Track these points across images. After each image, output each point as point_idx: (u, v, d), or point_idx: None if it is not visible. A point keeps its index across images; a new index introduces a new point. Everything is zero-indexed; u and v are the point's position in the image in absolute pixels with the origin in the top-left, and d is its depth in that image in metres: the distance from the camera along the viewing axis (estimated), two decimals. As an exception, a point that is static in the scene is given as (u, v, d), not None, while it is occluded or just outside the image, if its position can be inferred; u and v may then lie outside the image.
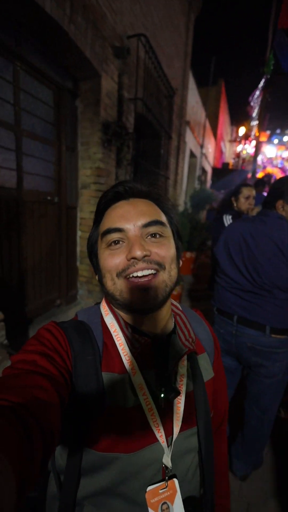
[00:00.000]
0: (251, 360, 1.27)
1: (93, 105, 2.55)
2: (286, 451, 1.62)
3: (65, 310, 2.64)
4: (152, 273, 0.47)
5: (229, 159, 22.16)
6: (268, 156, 18.71)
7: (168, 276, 0.48)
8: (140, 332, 0.51)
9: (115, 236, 0.48)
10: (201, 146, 8.67)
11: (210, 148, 11.62)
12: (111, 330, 0.51)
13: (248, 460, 1.43)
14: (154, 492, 0.46)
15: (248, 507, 1.34)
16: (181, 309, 0.61)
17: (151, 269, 0.47)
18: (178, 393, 0.48)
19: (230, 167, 16.35)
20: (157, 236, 0.49)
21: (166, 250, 0.49)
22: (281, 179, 1.31)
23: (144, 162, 3.75)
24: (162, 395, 0.47)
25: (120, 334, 0.50)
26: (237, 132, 21.26)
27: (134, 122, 3.23)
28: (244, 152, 20.89)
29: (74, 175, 2.68)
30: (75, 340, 0.48)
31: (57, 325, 0.50)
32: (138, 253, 0.45)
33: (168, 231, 0.52)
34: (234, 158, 22.02)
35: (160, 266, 0.48)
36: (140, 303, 0.46)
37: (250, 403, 1.36)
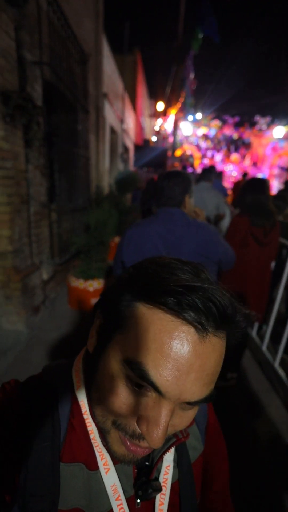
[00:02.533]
0: None
1: (-17, 66, 1.99)
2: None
3: (-22, 325, 2.21)
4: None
5: (150, 135, 22.27)
6: (185, 134, 19.58)
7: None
8: None
9: (144, 385, 0.31)
10: (122, 121, 8.32)
11: (130, 123, 11.30)
12: (82, 410, 0.40)
13: None
14: None
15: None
16: None
17: None
18: (159, 491, 0.41)
19: (151, 144, 16.48)
20: (192, 406, 0.34)
21: (187, 422, 0.35)
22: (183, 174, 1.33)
23: (60, 141, 3.30)
24: (139, 500, 0.41)
25: (90, 419, 0.40)
26: (155, 106, 21.32)
27: (42, 92, 2.73)
28: (163, 128, 21.28)
29: None
30: (33, 418, 0.38)
31: (16, 389, 0.41)
32: (156, 444, 0.31)
33: None
34: (154, 134, 22.26)
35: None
36: (125, 460, 0.37)
37: None
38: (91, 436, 0.40)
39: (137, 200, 5.45)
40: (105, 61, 5.60)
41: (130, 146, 11.57)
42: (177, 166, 11.60)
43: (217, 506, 0.56)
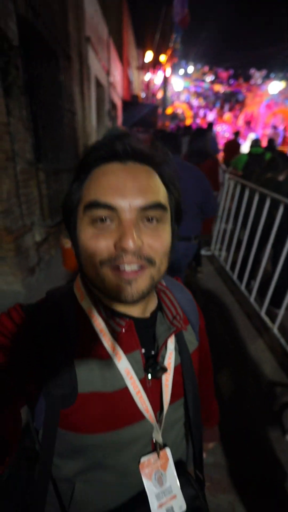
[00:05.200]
0: (180, 261, 2.00)
1: None
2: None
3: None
4: (139, 268, 0.41)
5: (138, 90, 20.58)
6: (176, 89, 18.26)
7: (157, 271, 0.43)
8: (121, 315, 0.48)
9: (103, 213, 0.40)
10: (108, 73, 7.62)
11: (117, 76, 10.35)
12: (89, 315, 0.47)
13: None
14: (147, 463, 0.48)
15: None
16: (164, 284, 0.58)
17: (139, 264, 0.41)
18: (165, 371, 0.48)
19: (140, 100, 15.31)
20: (154, 221, 0.42)
21: (160, 242, 0.42)
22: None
23: (42, 93, 3.03)
24: (150, 377, 0.47)
25: (100, 320, 0.46)
26: (143, 57, 19.39)
27: (18, 31, 2.42)
28: (152, 82, 19.67)
29: None
30: (42, 326, 0.44)
31: (21, 309, 0.46)
32: (131, 245, 0.38)
33: (167, 215, 0.45)
34: (143, 90, 20.59)
35: (149, 262, 0.42)
36: (123, 296, 0.41)
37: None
38: (102, 334, 0.45)
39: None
40: (87, -3, 4.94)
41: (118, 103, 10.74)
42: (168, 125, 10.98)
43: (205, 393, 0.72)
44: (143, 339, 0.49)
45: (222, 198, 3.34)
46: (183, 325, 0.51)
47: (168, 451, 0.51)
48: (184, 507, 0.49)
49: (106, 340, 0.45)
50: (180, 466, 0.53)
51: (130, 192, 0.39)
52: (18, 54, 2.15)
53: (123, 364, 0.45)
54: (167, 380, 0.50)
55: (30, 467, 0.55)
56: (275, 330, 2.20)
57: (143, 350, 0.49)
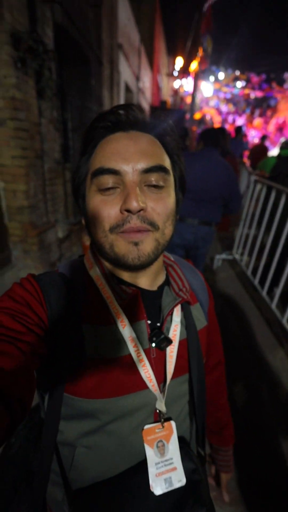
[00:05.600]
0: (198, 245, 2.15)
1: (-8, 3, 1.88)
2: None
3: None
4: (144, 229, 0.42)
5: (167, 96, 20.79)
6: (205, 95, 18.19)
7: (161, 235, 0.44)
8: (128, 284, 0.49)
9: (109, 180, 0.42)
10: (137, 79, 7.79)
11: (147, 81, 10.56)
12: (97, 283, 0.48)
13: None
14: (151, 431, 0.48)
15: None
16: (173, 259, 0.59)
17: (144, 227, 0.42)
18: (170, 342, 0.48)
19: (168, 106, 15.45)
20: (157, 186, 0.43)
21: (164, 205, 0.43)
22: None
23: (73, 96, 3.17)
24: (154, 345, 0.48)
25: (107, 287, 0.47)
26: (173, 64, 19.57)
27: (53, 37, 2.57)
28: (182, 89, 19.76)
29: (-19, 107, 2.10)
30: (52, 293, 0.46)
31: (32, 278, 0.48)
32: (134, 204, 0.39)
33: (170, 180, 0.46)
34: (172, 96, 20.76)
35: (153, 226, 0.43)
36: (130, 259, 0.43)
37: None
38: (109, 301, 0.46)
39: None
40: (121, 5, 5.12)
41: (146, 107, 10.92)
42: (195, 130, 10.95)
43: (216, 396, 0.71)
44: (150, 311, 0.49)
45: (246, 202, 3.25)
46: (189, 298, 0.51)
47: (173, 424, 0.50)
48: (184, 481, 0.48)
49: (112, 307, 0.46)
50: (183, 442, 0.52)
51: (132, 156, 0.41)
52: (52, 58, 2.27)
53: (127, 331, 0.46)
54: (172, 351, 0.50)
55: (37, 439, 0.56)
56: (297, 339, 2.08)
57: (149, 321, 0.49)
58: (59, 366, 0.44)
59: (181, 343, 0.52)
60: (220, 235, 4.34)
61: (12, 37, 1.93)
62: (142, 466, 0.47)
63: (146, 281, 0.50)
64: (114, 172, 0.41)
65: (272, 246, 2.54)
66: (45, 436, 0.46)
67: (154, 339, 0.47)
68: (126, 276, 0.49)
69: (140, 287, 0.50)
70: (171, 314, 0.51)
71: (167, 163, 0.45)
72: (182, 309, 0.54)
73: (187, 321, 0.54)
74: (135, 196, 0.40)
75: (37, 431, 0.59)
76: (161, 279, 0.54)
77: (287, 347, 2.14)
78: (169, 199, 0.45)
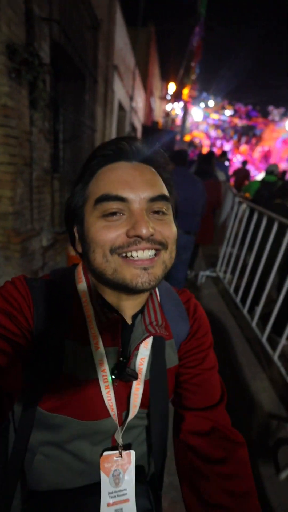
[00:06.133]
0: (180, 252, 2.15)
1: (-10, 15, 1.91)
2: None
3: (-24, 282, 2.25)
4: (153, 255, 0.43)
5: (159, 117, 21.67)
6: (196, 120, 19.07)
7: (169, 257, 0.46)
8: (111, 308, 0.49)
9: (114, 206, 0.42)
10: (131, 99, 8.08)
11: (140, 102, 10.98)
12: (82, 300, 0.49)
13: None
14: (109, 459, 0.48)
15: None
16: (158, 292, 0.56)
17: (154, 249, 0.43)
18: (134, 378, 0.47)
19: (160, 126, 16.05)
20: (160, 213, 0.45)
21: (169, 229, 0.45)
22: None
23: (66, 109, 3.23)
24: (113, 377, 0.47)
25: (90, 306, 0.48)
26: (166, 88, 20.59)
27: (50, 52, 2.64)
28: (174, 112, 20.65)
29: (-29, 112, 2.08)
30: (41, 302, 0.46)
31: (25, 283, 0.48)
32: (145, 231, 0.40)
33: (170, 207, 0.47)
34: (163, 117, 21.64)
35: (162, 246, 0.44)
36: (140, 283, 0.41)
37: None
38: (88, 320, 0.47)
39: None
40: (118, 30, 5.39)
41: (138, 126, 11.29)
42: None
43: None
44: (124, 339, 0.49)
45: (230, 222, 3.35)
46: (162, 333, 0.49)
47: (132, 454, 0.49)
48: None
49: (90, 327, 0.47)
50: (141, 474, 0.51)
51: (138, 186, 0.42)
52: (47, 71, 2.32)
53: (99, 354, 0.46)
54: (138, 384, 0.49)
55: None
56: (276, 358, 2.09)
57: (121, 349, 0.49)
58: (35, 377, 0.44)
59: (146, 382, 0.50)
60: (205, 253, 4.42)
61: (8, 48, 1.97)
62: (98, 487, 0.47)
63: (131, 304, 0.50)
64: (121, 199, 0.41)
65: (253, 265, 2.61)
66: (18, 441, 0.47)
67: (115, 371, 0.47)
68: (112, 297, 0.48)
69: (121, 313, 0.49)
70: (139, 348, 0.50)
71: (167, 192, 0.47)
72: (154, 343, 0.52)
73: (155, 357, 0.51)
74: (145, 223, 0.40)
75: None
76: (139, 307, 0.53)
77: (266, 366, 2.14)
78: (172, 224, 0.47)
